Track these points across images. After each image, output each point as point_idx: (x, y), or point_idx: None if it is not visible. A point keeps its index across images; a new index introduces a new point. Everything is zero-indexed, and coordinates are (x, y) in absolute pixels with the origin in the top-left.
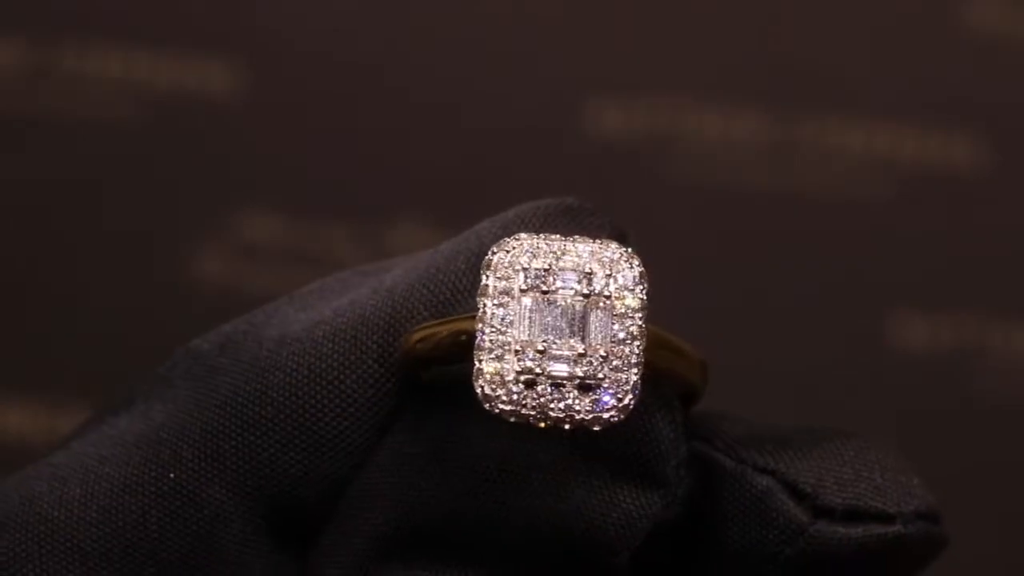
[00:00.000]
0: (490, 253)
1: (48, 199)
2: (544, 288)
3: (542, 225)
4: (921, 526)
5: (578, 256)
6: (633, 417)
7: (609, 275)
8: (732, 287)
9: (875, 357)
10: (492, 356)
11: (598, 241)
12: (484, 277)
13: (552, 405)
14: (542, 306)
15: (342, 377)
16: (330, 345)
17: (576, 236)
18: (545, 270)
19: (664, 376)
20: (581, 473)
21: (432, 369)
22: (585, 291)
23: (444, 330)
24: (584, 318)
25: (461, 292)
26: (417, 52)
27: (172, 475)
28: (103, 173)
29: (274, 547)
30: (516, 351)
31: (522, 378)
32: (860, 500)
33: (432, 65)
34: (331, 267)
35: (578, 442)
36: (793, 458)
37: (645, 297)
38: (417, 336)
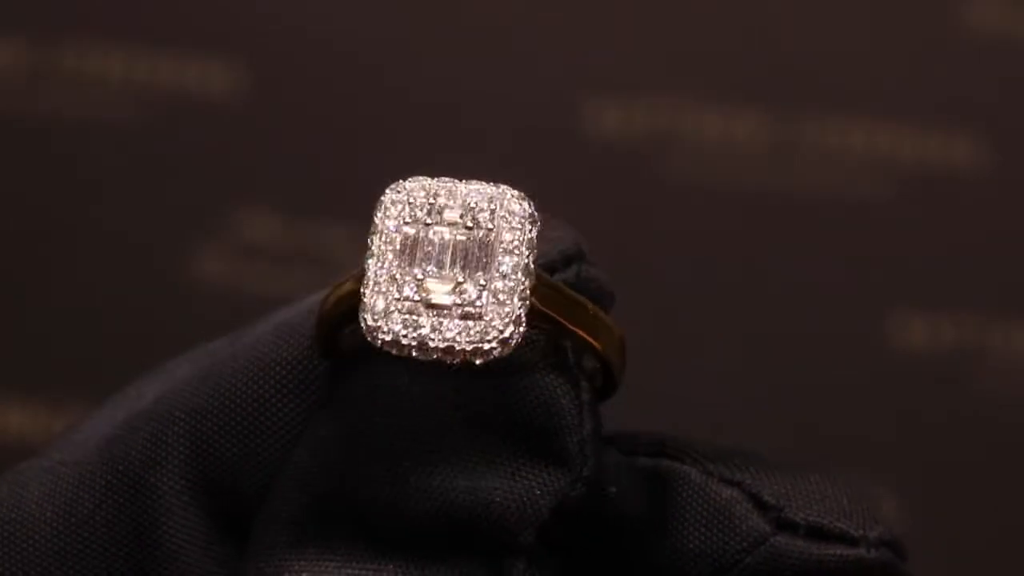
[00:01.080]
0: (382, 195)
1: (48, 199)
2: (428, 221)
3: None
4: (885, 553)
5: (467, 194)
6: (539, 388)
7: (495, 211)
8: (732, 287)
9: (875, 357)
10: (377, 288)
11: (492, 183)
12: (374, 218)
13: (432, 336)
14: (425, 238)
15: (276, 360)
16: (272, 332)
17: (471, 181)
18: (431, 204)
19: (561, 328)
20: (485, 452)
21: (345, 333)
22: (469, 224)
23: (345, 286)
24: (467, 251)
25: None
26: (417, 52)
27: (121, 467)
28: (103, 173)
29: (218, 538)
30: (396, 280)
31: (403, 306)
32: (824, 519)
33: (432, 65)
34: (331, 267)
35: (478, 419)
36: (760, 473)
37: (533, 237)
38: (326, 301)
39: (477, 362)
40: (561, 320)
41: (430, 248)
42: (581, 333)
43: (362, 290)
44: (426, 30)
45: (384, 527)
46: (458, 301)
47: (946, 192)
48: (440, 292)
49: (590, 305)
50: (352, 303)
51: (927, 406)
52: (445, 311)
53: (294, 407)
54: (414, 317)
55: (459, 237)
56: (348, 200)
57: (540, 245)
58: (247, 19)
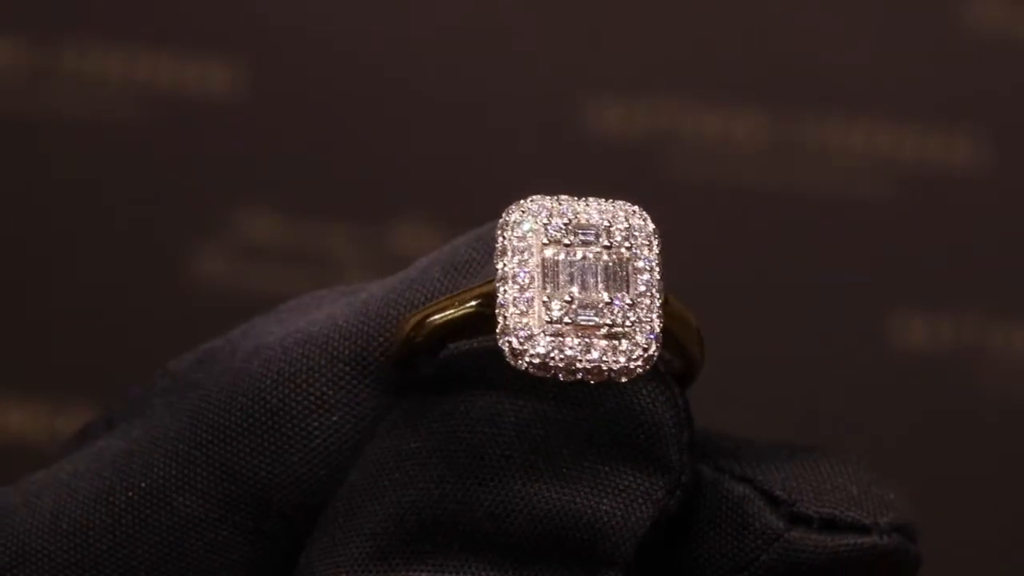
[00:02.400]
0: (504, 215)
1: (48, 199)
2: (567, 242)
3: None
4: (897, 538)
5: (594, 212)
6: (640, 397)
7: (627, 228)
8: (732, 287)
9: (876, 357)
10: (517, 311)
11: (609, 200)
12: (500, 238)
13: (580, 357)
14: (563, 260)
15: (311, 380)
16: (300, 350)
17: (587, 198)
18: (564, 225)
19: (671, 339)
20: (586, 459)
21: (447, 347)
22: (606, 243)
23: (456, 301)
24: (606, 270)
25: (438, 298)
26: (417, 52)
27: (143, 484)
28: (103, 173)
29: (247, 552)
30: (544, 302)
31: (550, 329)
32: (836, 509)
33: (432, 65)
34: (331, 267)
35: (582, 427)
36: (770, 468)
37: (659, 252)
38: (415, 321)
39: (623, 380)
40: (673, 331)
41: (572, 269)
42: (685, 341)
43: (498, 312)
44: (426, 30)
45: (482, 539)
46: (605, 322)
47: (946, 192)
48: (586, 311)
49: (687, 313)
50: (467, 319)
51: (927, 406)
52: (591, 332)
53: (331, 426)
54: (560, 339)
55: (597, 258)
56: (348, 200)
57: None
58: (247, 19)
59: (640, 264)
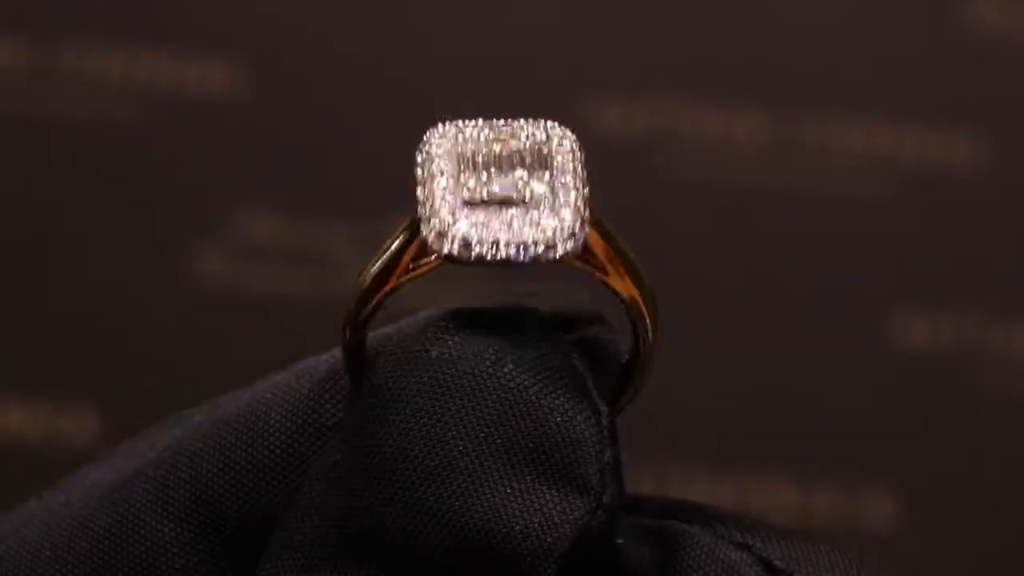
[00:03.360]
0: (426, 137)
1: (48, 199)
2: (482, 138)
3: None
4: None
5: (517, 123)
6: (559, 412)
7: (544, 130)
8: (732, 287)
9: (876, 357)
10: (432, 204)
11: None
12: (419, 155)
13: (501, 234)
14: (480, 150)
15: (276, 399)
16: (280, 377)
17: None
18: (484, 133)
19: (613, 257)
20: (502, 477)
21: (371, 349)
22: (524, 137)
23: (387, 244)
24: (525, 156)
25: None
26: (417, 52)
27: (122, 509)
28: (103, 173)
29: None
30: (455, 190)
31: (468, 210)
32: None
33: (432, 65)
34: (331, 267)
35: (498, 442)
36: (770, 537)
37: (580, 151)
38: (358, 296)
39: (551, 256)
40: (614, 248)
41: (487, 157)
42: (625, 275)
43: (419, 212)
44: (426, 30)
45: (399, 552)
46: (525, 200)
47: (946, 192)
48: (505, 191)
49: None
50: (400, 248)
51: (927, 406)
52: (512, 209)
53: (295, 446)
54: (482, 218)
55: (516, 146)
56: (348, 200)
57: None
58: (247, 19)
59: (563, 152)
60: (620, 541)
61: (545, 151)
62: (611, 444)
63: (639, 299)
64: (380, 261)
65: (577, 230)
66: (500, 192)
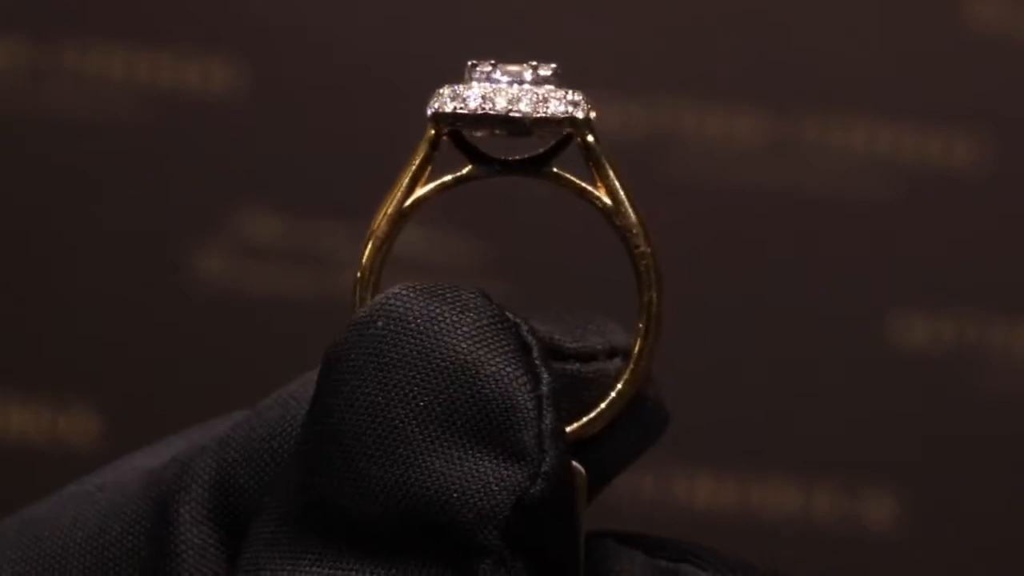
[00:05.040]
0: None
1: (48, 199)
2: (480, 75)
3: None
4: None
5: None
6: (497, 379)
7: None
8: (732, 286)
9: (877, 357)
10: (450, 93)
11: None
12: (428, 112)
13: (510, 105)
14: (489, 76)
15: (296, 391)
16: (304, 377)
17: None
18: (484, 71)
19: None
20: (441, 445)
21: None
22: (524, 78)
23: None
24: (529, 83)
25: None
26: (417, 52)
27: (153, 495)
28: (104, 172)
29: (232, 567)
30: (469, 86)
31: (480, 88)
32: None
33: (432, 65)
34: (331, 267)
35: (437, 410)
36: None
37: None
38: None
39: (560, 117)
40: (602, 158)
41: (493, 78)
42: (631, 211)
43: (431, 102)
44: (426, 30)
45: (352, 527)
46: (532, 89)
47: (946, 192)
48: (512, 83)
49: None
50: (420, 173)
51: (929, 406)
52: (519, 91)
53: (284, 425)
54: (490, 94)
55: (523, 80)
56: (348, 200)
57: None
58: (247, 19)
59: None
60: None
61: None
62: (551, 410)
63: (620, 206)
64: (400, 189)
65: (582, 104)
66: (508, 86)
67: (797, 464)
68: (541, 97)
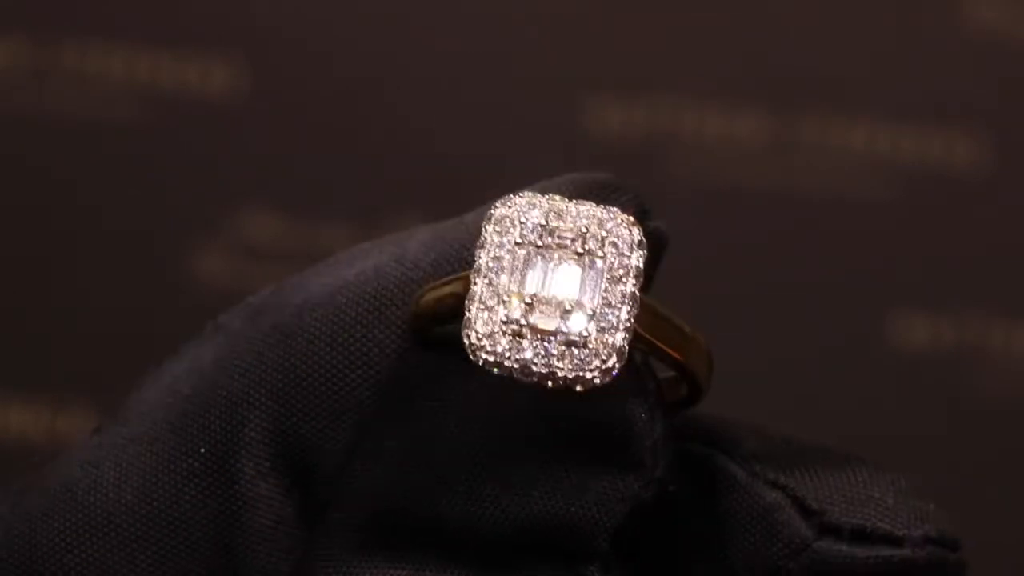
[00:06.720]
0: (493, 208)
1: (48, 199)
2: (539, 243)
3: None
4: (932, 551)
5: (578, 216)
6: (610, 393)
7: (605, 237)
8: (732, 287)
9: (876, 357)
10: (482, 306)
11: (602, 206)
12: (484, 230)
13: (535, 361)
14: (535, 260)
15: (364, 347)
16: (352, 313)
17: (580, 201)
18: (542, 225)
19: (657, 351)
20: (556, 460)
21: (434, 330)
22: (580, 250)
23: (447, 288)
24: (576, 277)
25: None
26: (417, 52)
27: (203, 450)
28: (104, 172)
29: (296, 518)
30: (504, 302)
31: (508, 328)
32: (868, 521)
33: (432, 65)
34: None
35: (551, 428)
36: (804, 475)
37: (641, 264)
38: (424, 296)
39: (577, 389)
40: (659, 344)
41: (540, 271)
42: (675, 355)
43: (467, 304)
44: (426, 30)
45: (458, 537)
46: (563, 328)
47: (947, 192)
48: (547, 317)
49: (686, 327)
50: (453, 305)
51: (929, 406)
52: (550, 337)
53: (369, 388)
54: (518, 340)
55: (570, 262)
56: (348, 200)
57: (611, 202)
58: (248, 19)
59: (615, 274)
60: (672, 488)
61: (600, 264)
62: (661, 418)
63: (688, 369)
64: (424, 305)
65: (609, 365)
66: (542, 324)
67: None
68: (580, 372)
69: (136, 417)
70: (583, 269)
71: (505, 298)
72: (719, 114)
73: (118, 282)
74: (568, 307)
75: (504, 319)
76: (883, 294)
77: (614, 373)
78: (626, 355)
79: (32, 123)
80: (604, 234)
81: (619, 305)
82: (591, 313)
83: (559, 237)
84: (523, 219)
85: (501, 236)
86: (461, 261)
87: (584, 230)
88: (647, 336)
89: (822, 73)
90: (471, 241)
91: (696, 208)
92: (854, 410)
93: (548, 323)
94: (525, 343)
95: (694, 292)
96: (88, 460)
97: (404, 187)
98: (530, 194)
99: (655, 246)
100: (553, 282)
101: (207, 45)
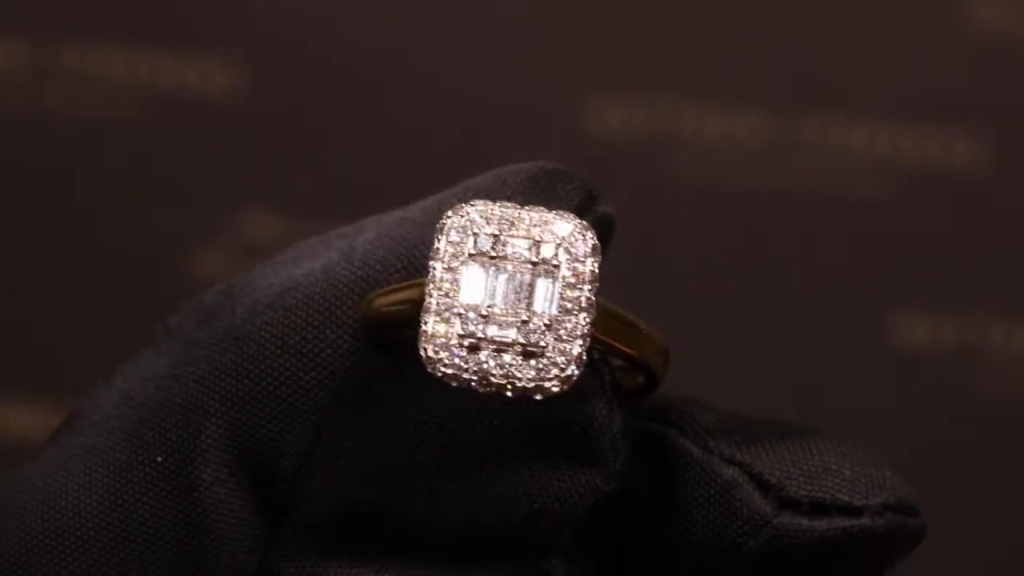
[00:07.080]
0: (444, 217)
1: (49, 199)
2: (493, 254)
3: (512, 192)
4: (891, 519)
5: (531, 224)
6: (568, 393)
7: (559, 245)
8: (732, 287)
9: (876, 357)
10: (438, 319)
11: (556, 212)
12: (436, 241)
13: (494, 371)
14: (490, 272)
15: (316, 348)
16: (303, 314)
17: (533, 205)
18: (495, 235)
19: (615, 352)
20: (517, 458)
21: (387, 334)
22: (534, 259)
23: (399, 296)
24: (531, 286)
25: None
26: (417, 52)
27: (160, 459)
28: (104, 172)
29: (258, 520)
30: (460, 314)
31: (465, 342)
32: (826, 493)
33: (433, 65)
34: None
35: (511, 426)
36: (761, 450)
37: (596, 269)
38: (376, 300)
39: (537, 397)
40: (616, 345)
41: (495, 282)
42: (631, 352)
43: (422, 316)
44: (427, 30)
45: (420, 535)
46: (521, 340)
47: (947, 192)
48: (502, 328)
49: (642, 324)
50: (407, 312)
51: (929, 406)
52: (507, 347)
53: (324, 389)
54: (475, 352)
55: (523, 272)
56: (348, 200)
57: (558, 193)
58: (248, 19)
59: (570, 281)
60: (628, 475)
61: (555, 272)
62: (619, 413)
63: (646, 366)
64: (378, 311)
65: (567, 373)
66: (499, 335)
67: None
68: (538, 383)
69: (91, 426)
70: (537, 278)
71: (460, 311)
72: (719, 114)
73: (118, 282)
74: (525, 317)
75: (460, 332)
76: (883, 294)
77: (572, 380)
78: (584, 362)
79: (32, 123)
80: (558, 241)
81: (576, 312)
82: (548, 323)
83: (513, 247)
84: (475, 230)
85: (455, 247)
86: (411, 259)
87: (538, 238)
88: (604, 339)
89: (822, 73)
90: (420, 240)
91: (696, 208)
92: (854, 410)
93: (505, 334)
94: (483, 355)
95: (694, 292)
96: (46, 472)
97: (404, 187)
98: (481, 202)
99: (603, 231)
100: (508, 292)
101: (207, 45)
